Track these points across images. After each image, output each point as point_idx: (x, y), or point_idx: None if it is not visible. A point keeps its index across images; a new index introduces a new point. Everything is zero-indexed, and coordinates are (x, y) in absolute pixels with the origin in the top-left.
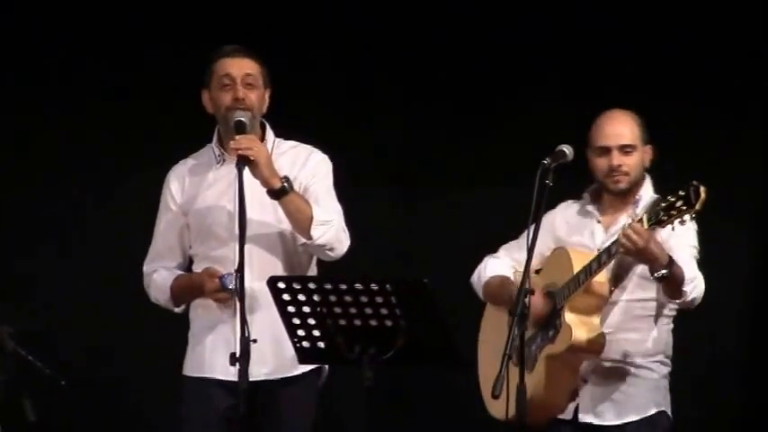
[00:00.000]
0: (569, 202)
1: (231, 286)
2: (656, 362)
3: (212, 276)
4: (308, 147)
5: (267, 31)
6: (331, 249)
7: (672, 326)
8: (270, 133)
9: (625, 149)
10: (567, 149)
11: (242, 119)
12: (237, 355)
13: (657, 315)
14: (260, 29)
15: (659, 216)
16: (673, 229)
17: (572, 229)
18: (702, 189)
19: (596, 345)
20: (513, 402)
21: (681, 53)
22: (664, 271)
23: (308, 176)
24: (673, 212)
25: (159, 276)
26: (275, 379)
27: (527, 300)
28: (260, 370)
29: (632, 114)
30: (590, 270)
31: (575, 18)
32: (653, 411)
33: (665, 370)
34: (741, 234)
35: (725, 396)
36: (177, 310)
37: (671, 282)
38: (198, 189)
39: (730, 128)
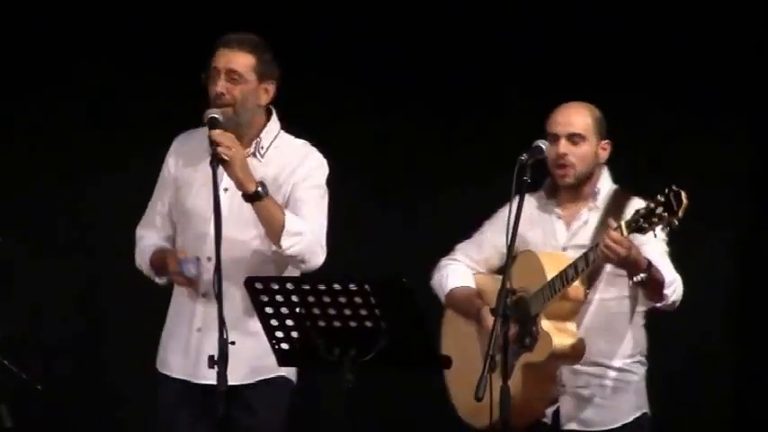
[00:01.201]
0: (526, 196)
1: (188, 273)
2: (636, 362)
3: (175, 257)
4: (308, 147)
5: (258, 27)
6: (302, 261)
7: (644, 321)
8: (274, 124)
9: (573, 138)
10: (543, 145)
11: (215, 116)
12: (216, 357)
13: (632, 313)
14: (252, 26)
15: (639, 223)
16: (655, 235)
17: (532, 225)
18: (683, 194)
19: (576, 351)
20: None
21: (663, 55)
22: (643, 275)
23: (298, 180)
24: (654, 219)
25: (143, 245)
26: (247, 382)
27: (508, 300)
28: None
29: (589, 107)
30: (566, 278)
31: (557, 19)
32: (637, 414)
33: (643, 369)
34: (721, 231)
35: (708, 394)
36: (159, 281)
37: (651, 285)
38: (189, 169)
39: (712, 127)
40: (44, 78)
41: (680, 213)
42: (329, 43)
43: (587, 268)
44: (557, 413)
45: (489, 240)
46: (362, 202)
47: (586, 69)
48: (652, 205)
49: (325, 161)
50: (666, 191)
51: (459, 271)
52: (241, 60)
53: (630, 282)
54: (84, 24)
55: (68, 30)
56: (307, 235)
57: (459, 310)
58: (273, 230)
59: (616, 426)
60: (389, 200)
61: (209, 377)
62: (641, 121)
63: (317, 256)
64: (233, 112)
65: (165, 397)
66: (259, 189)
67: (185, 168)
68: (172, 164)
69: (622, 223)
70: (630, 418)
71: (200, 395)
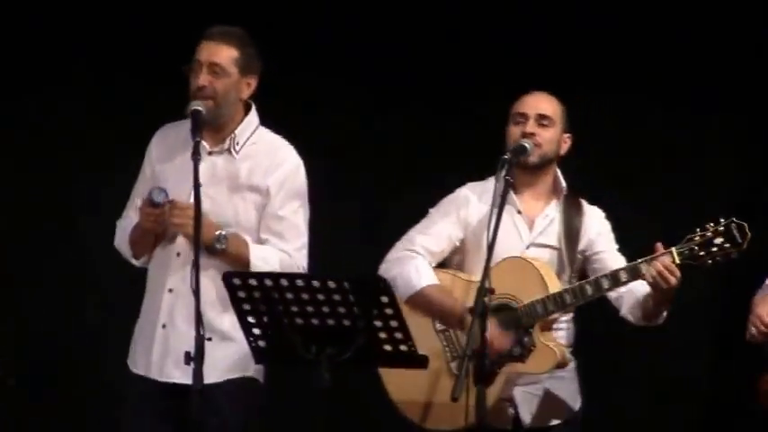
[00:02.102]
0: (475, 186)
1: (158, 199)
2: (571, 352)
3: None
4: (284, 147)
5: (258, 27)
6: None
7: None
8: (252, 118)
9: (542, 121)
10: (527, 144)
11: (198, 108)
12: (192, 354)
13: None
14: (252, 26)
15: (694, 252)
16: (711, 263)
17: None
18: (746, 225)
19: (568, 359)
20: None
21: (663, 55)
22: (669, 306)
23: (274, 187)
24: (713, 250)
25: (124, 225)
26: (214, 382)
27: (487, 299)
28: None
29: (556, 98)
30: (583, 294)
31: (557, 19)
32: (580, 401)
33: (574, 358)
34: None
35: (689, 390)
36: (136, 262)
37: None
38: (168, 163)
39: (712, 127)
40: (44, 78)
41: (745, 246)
42: (329, 43)
43: (612, 288)
44: (516, 417)
45: (444, 232)
46: (362, 201)
47: (586, 69)
48: (708, 234)
49: (301, 162)
50: (725, 221)
51: (428, 267)
52: (224, 53)
53: (655, 308)
54: (84, 24)
55: (68, 30)
56: (275, 269)
57: (432, 310)
58: (241, 269)
59: (569, 416)
60: (389, 200)
61: (174, 376)
62: (641, 121)
63: None
64: (214, 105)
65: (131, 395)
66: (216, 246)
67: (165, 162)
68: (152, 158)
69: (674, 250)
70: (577, 407)
71: (165, 394)
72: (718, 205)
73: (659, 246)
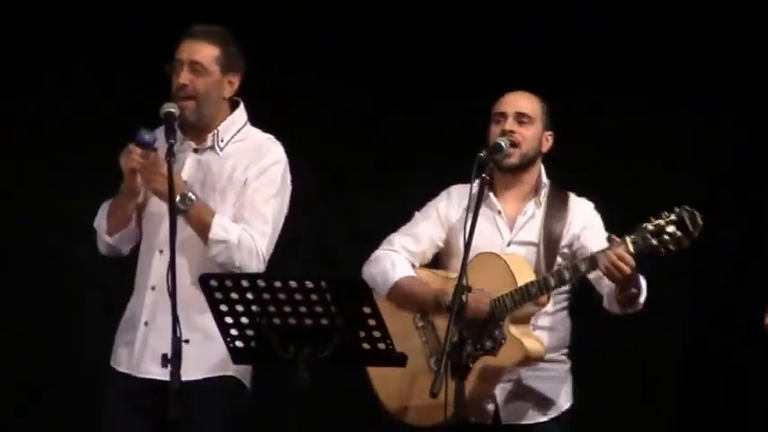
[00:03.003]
0: (459, 188)
1: (147, 137)
2: (564, 354)
3: None
4: (270, 142)
5: (258, 27)
6: (235, 268)
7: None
8: (239, 116)
9: (521, 119)
10: (503, 142)
11: (171, 110)
12: (169, 355)
13: (565, 306)
14: (252, 26)
15: (648, 241)
16: (665, 252)
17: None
18: (698, 214)
19: (541, 354)
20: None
21: (663, 55)
22: (635, 290)
23: (251, 178)
24: (665, 238)
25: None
26: (194, 379)
27: (464, 297)
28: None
29: (537, 96)
30: (546, 285)
31: (557, 19)
32: (570, 403)
33: (569, 360)
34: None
35: (661, 392)
36: (109, 239)
37: (635, 296)
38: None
39: (712, 127)
40: (44, 78)
41: (696, 234)
42: (329, 43)
43: (574, 278)
44: (496, 411)
45: (425, 233)
46: (362, 201)
47: (586, 69)
48: (661, 222)
49: (284, 158)
50: (678, 210)
51: (404, 262)
52: (205, 52)
53: (620, 295)
54: (84, 24)
55: (68, 30)
56: (233, 243)
57: (410, 301)
58: (202, 237)
59: (552, 417)
60: (389, 200)
61: (153, 372)
62: (641, 121)
63: (248, 263)
64: (195, 104)
65: (111, 392)
66: (179, 205)
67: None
68: None
69: (627, 239)
70: (564, 408)
71: (145, 390)
72: (718, 205)
73: (614, 237)
